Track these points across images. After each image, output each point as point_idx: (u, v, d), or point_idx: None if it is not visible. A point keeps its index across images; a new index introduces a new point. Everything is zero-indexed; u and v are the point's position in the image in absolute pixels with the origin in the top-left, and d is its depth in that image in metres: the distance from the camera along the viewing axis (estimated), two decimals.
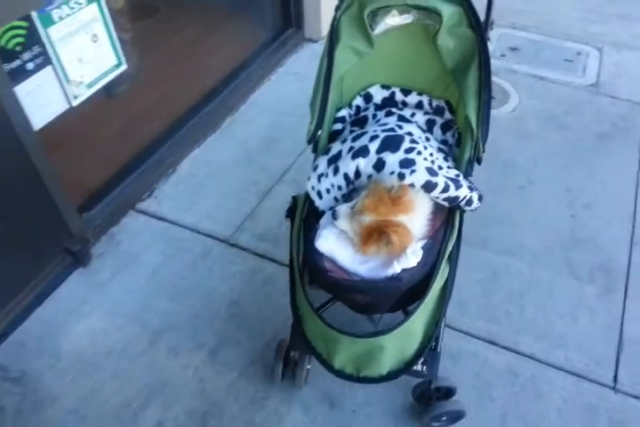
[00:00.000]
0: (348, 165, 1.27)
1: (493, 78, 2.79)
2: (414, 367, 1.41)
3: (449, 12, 1.23)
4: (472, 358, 1.69)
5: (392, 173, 1.23)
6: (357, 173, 1.28)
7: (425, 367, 1.43)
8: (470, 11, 1.24)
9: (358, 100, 1.46)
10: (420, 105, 1.44)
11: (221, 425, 1.54)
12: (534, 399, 1.60)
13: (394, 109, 1.42)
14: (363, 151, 1.26)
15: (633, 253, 1.99)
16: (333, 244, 1.24)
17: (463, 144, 1.35)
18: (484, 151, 1.34)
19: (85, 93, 1.67)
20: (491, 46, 2.68)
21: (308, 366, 1.58)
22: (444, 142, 1.43)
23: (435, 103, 1.43)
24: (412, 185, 1.22)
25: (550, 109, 2.63)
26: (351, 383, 1.55)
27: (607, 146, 2.42)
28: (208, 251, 1.95)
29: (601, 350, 1.72)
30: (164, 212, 2.09)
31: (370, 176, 1.28)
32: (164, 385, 1.61)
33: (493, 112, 2.59)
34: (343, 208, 1.24)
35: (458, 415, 1.52)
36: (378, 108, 1.45)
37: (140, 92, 2.09)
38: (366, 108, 1.46)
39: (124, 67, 1.78)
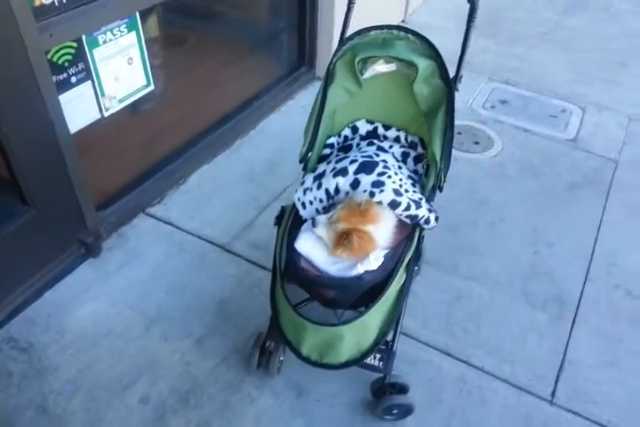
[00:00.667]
0: (330, 182, 1.50)
1: (480, 126, 3.05)
2: (371, 362, 1.61)
3: (424, 64, 1.48)
4: (428, 365, 1.85)
5: (365, 191, 1.46)
6: (337, 190, 1.50)
7: (381, 363, 1.61)
8: (442, 66, 1.49)
9: (346, 131, 1.71)
10: (397, 139, 1.68)
11: (200, 403, 1.71)
12: (478, 404, 1.75)
13: (375, 141, 1.66)
14: (343, 171, 1.50)
15: (585, 289, 2.15)
16: (311, 246, 1.46)
17: (429, 174, 1.58)
18: (444, 181, 1.56)
19: (116, 107, 1.93)
20: (459, 96, 2.99)
21: (282, 358, 1.75)
22: (415, 172, 1.66)
23: (410, 139, 1.67)
24: (380, 202, 1.45)
25: (529, 158, 2.82)
26: (318, 376, 1.76)
27: (576, 194, 2.61)
28: (205, 254, 2.16)
29: (544, 368, 1.87)
30: (170, 217, 2.31)
31: (347, 193, 1.50)
32: (153, 365, 1.79)
33: (477, 156, 2.86)
34: (322, 218, 1.46)
35: (407, 410, 1.67)
36: (362, 138, 1.69)
37: (162, 111, 2.34)
38: (352, 138, 1.70)
39: (151, 87, 2.05)
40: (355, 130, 1.70)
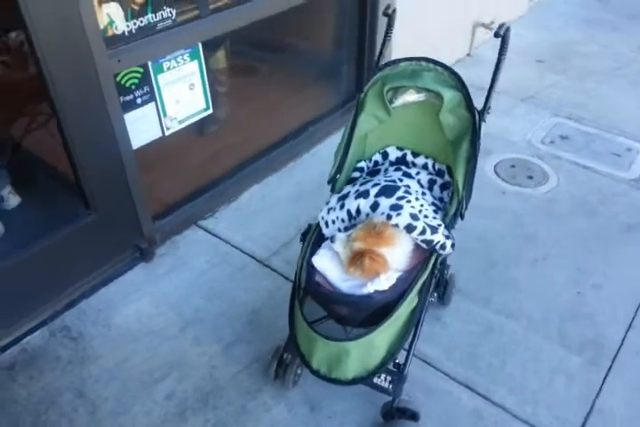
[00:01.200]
0: (352, 204, 1.57)
1: (536, 160, 2.98)
2: (381, 384, 1.63)
3: (450, 95, 1.53)
4: (445, 396, 1.83)
5: (383, 213, 1.51)
6: (358, 211, 1.57)
7: (391, 386, 1.63)
8: (467, 97, 1.54)
9: (377, 157, 1.77)
10: (425, 166, 1.72)
11: (219, 404, 1.79)
12: None
13: (403, 167, 1.71)
14: (364, 194, 1.56)
15: (628, 336, 2.03)
16: (327, 262, 1.52)
17: (452, 201, 1.61)
18: (466, 208, 1.58)
19: (176, 127, 2.12)
20: (516, 129, 2.93)
21: (299, 371, 1.81)
22: (440, 200, 1.69)
23: (437, 166, 1.71)
24: (396, 225, 1.50)
25: (585, 196, 2.72)
26: (333, 393, 1.80)
27: (632, 237, 2.48)
28: (245, 266, 2.27)
29: (569, 413, 1.78)
30: (218, 230, 2.46)
31: (368, 214, 1.56)
32: (182, 365, 1.91)
33: (528, 190, 2.80)
34: (341, 235, 1.52)
35: None
36: (391, 164, 1.75)
37: (224, 134, 2.53)
38: (382, 164, 1.77)
39: (209, 111, 2.22)
40: (385, 156, 1.76)
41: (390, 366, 1.63)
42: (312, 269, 1.52)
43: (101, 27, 1.64)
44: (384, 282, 1.45)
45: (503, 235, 2.48)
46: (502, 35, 1.44)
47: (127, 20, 1.71)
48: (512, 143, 3.13)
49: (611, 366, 1.93)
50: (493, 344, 2.00)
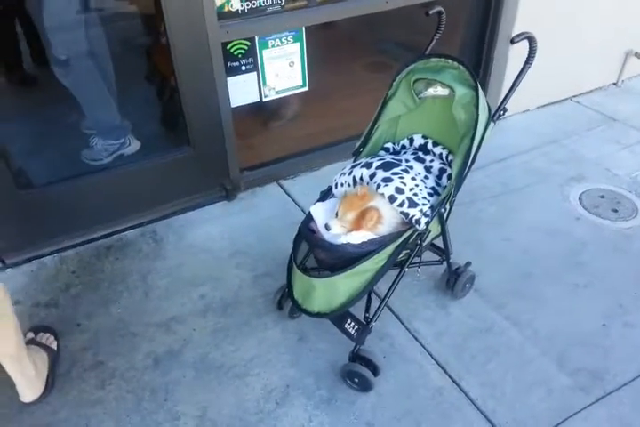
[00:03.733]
0: (357, 171, 1.77)
1: (632, 196, 2.77)
2: (349, 329, 1.80)
3: (462, 92, 1.63)
4: (417, 368, 1.89)
5: (375, 182, 1.69)
6: (361, 178, 1.76)
7: (356, 334, 1.79)
8: (477, 95, 1.62)
9: (405, 141, 1.92)
10: (440, 156, 1.83)
11: (233, 314, 2.11)
12: (440, 417, 1.76)
13: (420, 153, 1.85)
14: (368, 165, 1.75)
15: (638, 380, 1.87)
16: (321, 212, 1.76)
17: (445, 189, 1.71)
18: (453, 196, 1.68)
19: (273, 96, 2.47)
20: (625, 162, 2.72)
21: None
22: (445, 188, 1.79)
23: (450, 158, 1.81)
24: (382, 194, 1.66)
25: None
26: (321, 334, 2.00)
27: None
28: (298, 222, 2.45)
29: (531, 422, 1.74)
30: (292, 191, 2.77)
31: (368, 183, 1.75)
32: (220, 279, 2.26)
33: (607, 222, 2.71)
34: (332, 221, 1.67)
35: (367, 385, 1.80)
36: (415, 150, 1.89)
37: (325, 110, 2.79)
38: (408, 149, 1.91)
39: (305, 88, 2.54)
40: (411, 141, 1.90)
41: (362, 319, 1.81)
42: (308, 218, 1.76)
43: (218, 3, 2.05)
44: (356, 237, 1.64)
45: (553, 254, 2.38)
46: (515, 42, 1.51)
47: (242, 1, 2.09)
48: (613, 175, 2.92)
49: (602, 398, 1.81)
50: (486, 343, 1.99)
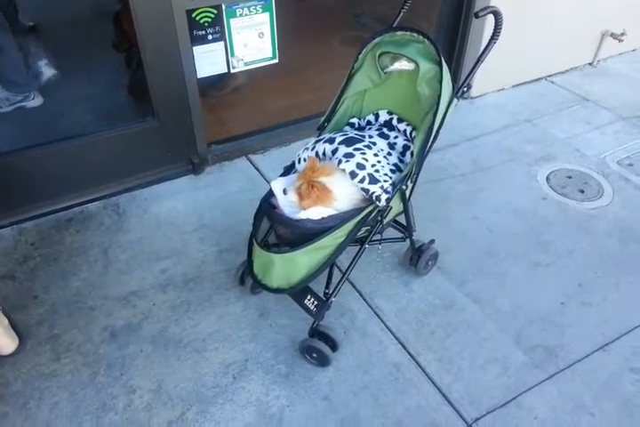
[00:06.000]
0: (320, 146, 1.73)
1: (598, 177, 2.78)
2: (308, 305, 1.79)
3: (426, 67, 1.59)
4: (376, 343, 1.90)
5: (337, 158, 1.65)
6: (324, 153, 1.72)
7: (315, 309, 1.80)
8: (441, 70, 1.58)
9: (370, 117, 1.88)
10: (405, 133, 1.80)
11: (194, 288, 2.10)
12: (396, 392, 1.77)
13: (385, 130, 1.81)
14: (331, 140, 1.71)
15: (594, 355, 1.90)
16: (280, 189, 1.72)
17: (407, 166, 1.69)
18: (416, 174, 1.66)
19: (242, 68, 2.40)
20: (594, 144, 2.74)
21: None
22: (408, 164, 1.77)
23: (414, 134, 1.78)
24: (343, 170, 1.63)
25: (633, 223, 2.46)
26: (282, 309, 1.99)
27: None
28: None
29: (485, 397, 1.75)
30: (261, 165, 2.73)
31: (330, 158, 1.71)
32: (183, 254, 2.24)
33: (572, 203, 2.67)
34: (289, 188, 1.65)
35: (324, 360, 1.80)
36: (380, 126, 1.86)
37: (300, 84, 2.71)
38: (373, 124, 1.88)
39: (275, 60, 2.46)
40: (377, 117, 1.86)
41: (321, 295, 1.80)
42: (269, 193, 1.73)
43: None
44: (314, 212, 1.61)
45: (517, 233, 2.39)
46: (480, 16, 1.46)
47: None
48: (582, 156, 2.92)
49: (555, 375, 1.84)
50: (446, 319, 2.00)
